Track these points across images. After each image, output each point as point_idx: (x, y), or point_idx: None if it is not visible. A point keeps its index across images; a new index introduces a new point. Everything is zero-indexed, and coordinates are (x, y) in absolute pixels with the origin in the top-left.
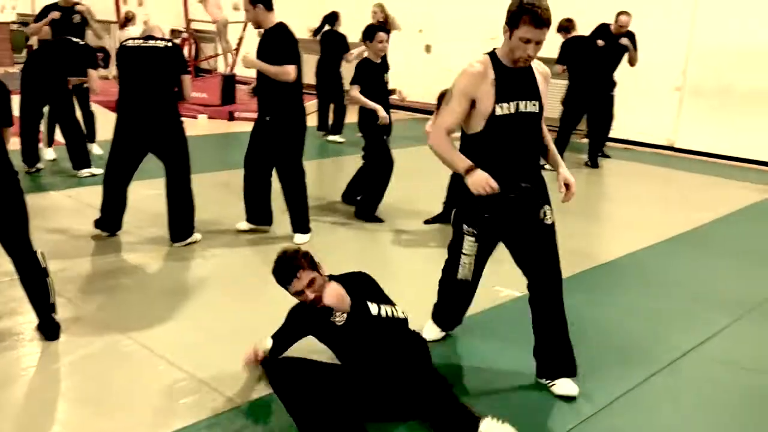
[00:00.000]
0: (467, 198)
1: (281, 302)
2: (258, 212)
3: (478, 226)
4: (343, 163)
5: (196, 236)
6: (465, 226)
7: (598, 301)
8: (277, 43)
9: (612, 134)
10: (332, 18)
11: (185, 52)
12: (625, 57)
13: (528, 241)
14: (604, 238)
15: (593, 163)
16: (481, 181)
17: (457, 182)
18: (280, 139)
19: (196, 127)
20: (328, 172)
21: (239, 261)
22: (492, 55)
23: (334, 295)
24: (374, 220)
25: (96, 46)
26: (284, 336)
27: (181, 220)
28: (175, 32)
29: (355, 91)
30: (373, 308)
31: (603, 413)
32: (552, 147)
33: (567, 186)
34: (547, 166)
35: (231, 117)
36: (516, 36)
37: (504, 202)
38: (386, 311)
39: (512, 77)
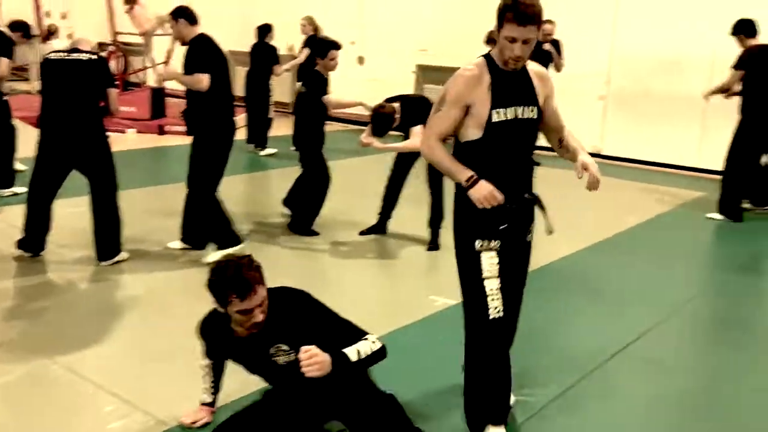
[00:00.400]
0: (471, 210)
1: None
2: (193, 234)
3: (495, 237)
4: (272, 176)
5: (123, 255)
6: (478, 243)
7: (530, 305)
8: (194, 54)
9: (540, 143)
10: (264, 30)
11: (112, 65)
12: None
13: (509, 257)
14: (535, 243)
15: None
16: (485, 192)
17: (456, 195)
18: (198, 155)
19: (125, 141)
20: (259, 186)
21: (168, 280)
22: (487, 57)
23: (319, 368)
24: (309, 233)
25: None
26: (215, 372)
27: (107, 239)
28: (102, 45)
29: (330, 97)
30: (352, 354)
31: (535, 418)
32: (570, 141)
33: (585, 168)
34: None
35: (161, 131)
36: (502, 36)
37: (505, 214)
38: (364, 350)
39: (509, 81)
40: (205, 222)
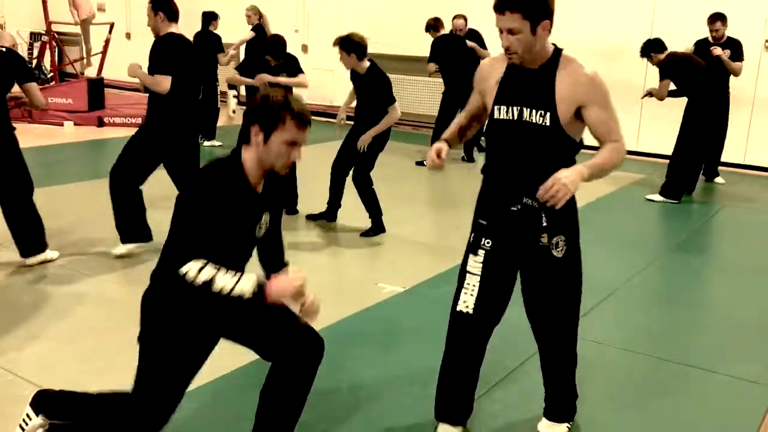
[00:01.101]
0: (477, 203)
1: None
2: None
3: (486, 235)
4: None
5: (51, 254)
6: (471, 236)
7: None
8: (160, 53)
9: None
10: (207, 18)
11: (47, 56)
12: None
13: (532, 272)
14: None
15: (469, 158)
16: (432, 151)
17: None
18: (138, 144)
19: (62, 134)
20: None
21: (103, 275)
22: None
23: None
24: None
25: None
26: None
27: (27, 235)
28: (34, 35)
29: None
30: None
31: (482, 399)
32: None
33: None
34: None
35: (100, 123)
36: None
37: (504, 215)
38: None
39: (521, 78)
40: (120, 210)
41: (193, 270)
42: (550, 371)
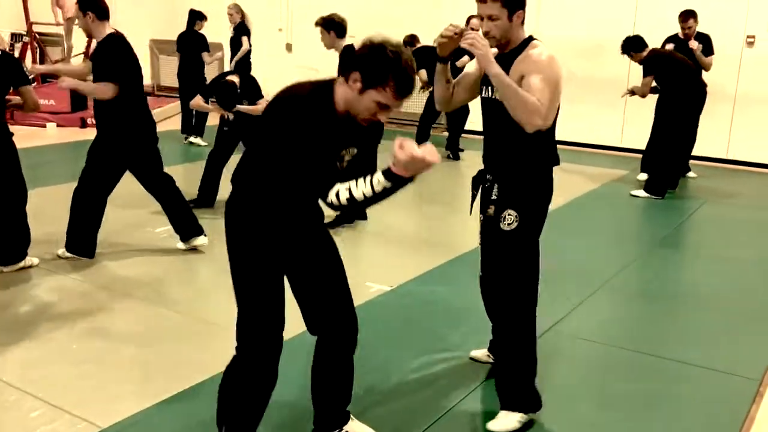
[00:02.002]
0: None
1: (124, 323)
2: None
3: (482, 210)
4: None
5: (32, 260)
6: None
7: (461, 292)
8: (102, 59)
9: (469, 127)
10: (192, 17)
11: (28, 57)
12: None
13: (485, 242)
14: (466, 227)
15: (454, 155)
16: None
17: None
18: (97, 154)
19: (45, 136)
20: (193, 177)
21: (87, 281)
22: None
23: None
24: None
25: None
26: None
27: (10, 244)
28: (15, 36)
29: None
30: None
31: (468, 399)
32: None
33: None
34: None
35: (83, 124)
36: None
37: (482, 190)
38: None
39: (498, 61)
40: (75, 217)
41: (334, 199)
42: (499, 354)
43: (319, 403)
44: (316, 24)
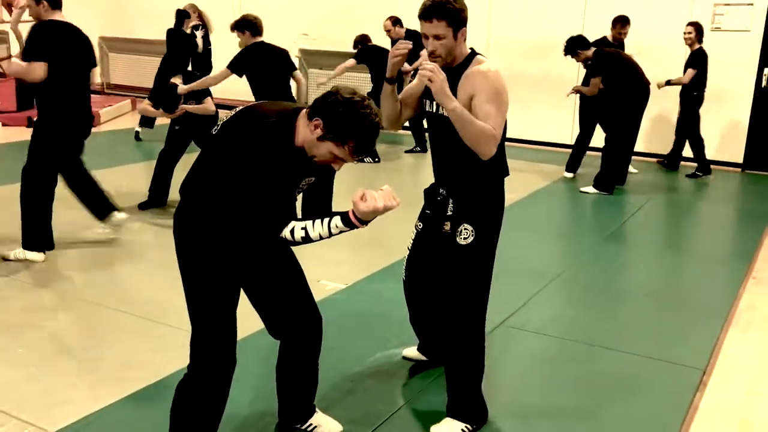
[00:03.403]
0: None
1: (73, 325)
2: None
3: (420, 219)
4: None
5: None
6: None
7: None
8: (33, 39)
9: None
10: (180, 16)
11: None
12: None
13: (440, 257)
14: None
15: (422, 148)
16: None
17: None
18: (35, 145)
19: None
20: (145, 177)
21: (31, 281)
22: None
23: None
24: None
25: None
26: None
27: None
28: None
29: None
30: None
31: (423, 393)
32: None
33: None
34: None
35: (30, 123)
36: None
37: (433, 204)
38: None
39: (447, 77)
40: (24, 215)
41: (288, 235)
42: (447, 364)
43: (285, 399)
44: (231, 29)
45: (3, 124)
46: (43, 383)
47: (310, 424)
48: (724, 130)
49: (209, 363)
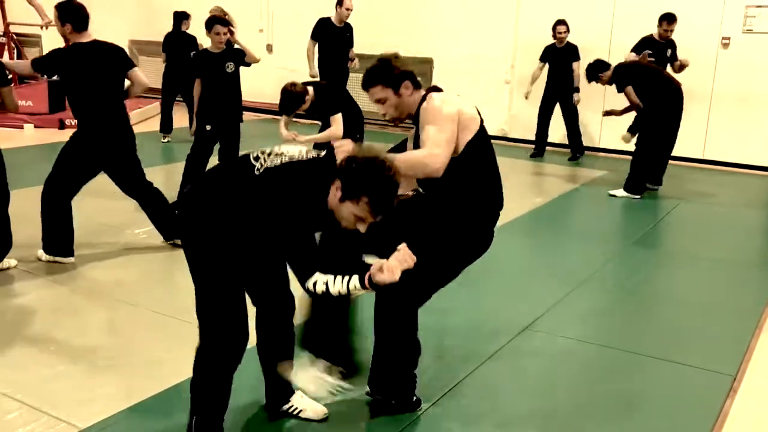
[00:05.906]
0: None
1: (103, 324)
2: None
3: None
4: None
5: (9, 262)
6: None
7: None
8: (46, 55)
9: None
10: (178, 18)
11: (5, 57)
12: None
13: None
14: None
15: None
16: None
17: None
18: (64, 152)
19: (23, 137)
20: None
21: (64, 283)
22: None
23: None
24: None
25: None
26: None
27: None
28: None
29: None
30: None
31: (447, 396)
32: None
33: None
34: None
35: (62, 125)
36: None
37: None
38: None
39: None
40: (46, 222)
41: (311, 287)
42: (375, 341)
43: (267, 369)
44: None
45: (35, 126)
46: (73, 381)
47: (295, 407)
48: (755, 134)
49: (227, 337)
